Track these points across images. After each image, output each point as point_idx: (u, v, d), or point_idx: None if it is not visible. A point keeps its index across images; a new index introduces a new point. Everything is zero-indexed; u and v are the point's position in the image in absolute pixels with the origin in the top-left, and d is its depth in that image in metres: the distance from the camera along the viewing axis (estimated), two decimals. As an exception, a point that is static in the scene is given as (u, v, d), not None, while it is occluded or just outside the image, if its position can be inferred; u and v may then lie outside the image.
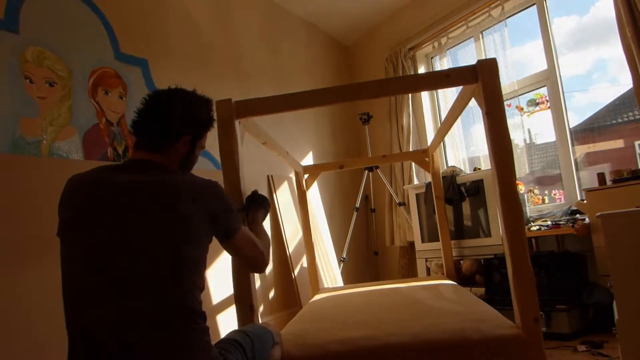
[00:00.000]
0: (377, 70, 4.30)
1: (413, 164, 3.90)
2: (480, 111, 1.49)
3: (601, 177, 2.64)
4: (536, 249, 2.99)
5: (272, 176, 3.40)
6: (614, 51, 2.94)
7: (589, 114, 3.41)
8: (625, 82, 2.71)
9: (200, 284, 1.07)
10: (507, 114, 1.86)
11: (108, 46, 2.43)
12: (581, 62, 3.49)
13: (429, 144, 3.19)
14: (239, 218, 1.24)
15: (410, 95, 3.98)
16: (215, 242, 1.20)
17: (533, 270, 1.37)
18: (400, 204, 3.82)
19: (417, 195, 3.49)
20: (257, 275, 2.47)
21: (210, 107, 1.31)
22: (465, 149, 3.78)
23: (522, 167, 3.34)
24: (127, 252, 0.99)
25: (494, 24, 3.42)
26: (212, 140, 1.58)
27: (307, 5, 3.98)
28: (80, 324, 0.98)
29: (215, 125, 1.41)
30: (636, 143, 3.03)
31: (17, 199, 1.84)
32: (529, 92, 3.31)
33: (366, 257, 4.31)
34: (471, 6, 3.48)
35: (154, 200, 1.04)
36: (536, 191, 3.30)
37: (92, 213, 1.03)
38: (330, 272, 3.52)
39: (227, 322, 2.55)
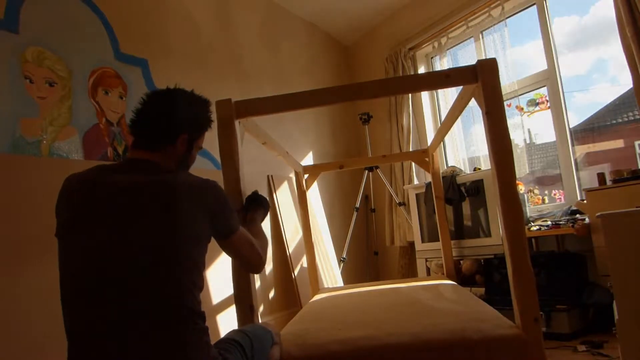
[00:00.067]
0: (377, 70, 4.30)
1: (413, 164, 3.90)
2: (480, 111, 1.49)
3: (601, 177, 2.64)
4: (536, 249, 2.99)
5: (272, 176, 3.40)
6: (614, 51, 2.95)
7: (589, 114, 3.41)
8: (625, 82, 2.71)
9: (199, 284, 1.07)
10: (507, 114, 1.86)
11: (108, 46, 2.43)
12: (581, 62, 3.50)
13: (429, 144, 3.19)
14: (237, 218, 1.24)
15: (410, 95, 3.98)
16: (215, 242, 1.20)
17: (533, 270, 1.37)
18: (400, 204, 3.81)
19: (417, 195, 3.49)
20: (257, 275, 2.47)
21: (208, 107, 1.31)
22: (465, 149, 3.78)
23: (522, 167, 3.34)
24: (127, 252, 0.99)
25: (494, 24, 3.42)
26: (212, 140, 1.58)
27: (307, 5, 3.98)
28: (79, 324, 0.98)
29: (215, 125, 1.41)
30: (636, 143, 3.03)
31: (17, 199, 1.84)
32: (529, 92, 3.31)
33: (366, 257, 4.31)
34: (471, 6, 3.48)
35: (154, 200, 1.04)
36: (536, 191, 3.30)
37: (91, 213, 1.03)
38: (330, 272, 3.52)
39: (227, 322, 2.55)
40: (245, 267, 1.40)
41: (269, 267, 3.20)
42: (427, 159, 2.81)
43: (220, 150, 1.55)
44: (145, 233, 1.01)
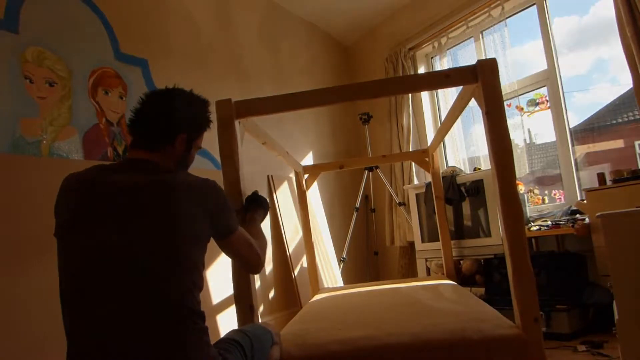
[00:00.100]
0: (377, 70, 4.30)
1: (413, 164, 3.90)
2: (480, 111, 1.49)
3: (601, 177, 2.64)
4: (536, 249, 2.99)
5: (272, 176, 3.40)
6: (614, 51, 2.94)
7: (589, 114, 3.41)
8: (625, 82, 2.71)
9: (199, 284, 1.07)
10: (507, 114, 1.86)
11: (108, 46, 2.43)
12: (581, 62, 3.50)
13: (429, 144, 3.19)
14: (236, 218, 1.24)
15: (410, 95, 3.98)
16: (214, 242, 1.20)
17: (533, 270, 1.37)
18: (400, 204, 3.81)
19: (417, 195, 3.49)
20: (257, 275, 2.47)
21: (207, 107, 1.31)
22: (465, 149, 3.78)
23: (522, 167, 3.34)
24: (126, 252, 0.99)
25: (494, 24, 3.42)
26: (212, 140, 1.58)
27: (307, 5, 3.98)
28: (79, 324, 0.98)
29: (215, 125, 1.41)
30: (636, 143, 3.03)
31: (17, 199, 1.84)
32: (529, 92, 3.31)
33: (366, 257, 4.31)
34: (471, 6, 3.48)
35: (154, 200, 1.04)
36: (536, 191, 3.30)
37: (91, 213, 1.03)
38: (330, 272, 3.52)
39: (227, 322, 2.55)
40: (244, 268, 1.40)
41: (269, 267, 3.20)
42: (427, 159, 2.81)
43: (220, 151, 1.55)
44: (144, 233, 1.01)
